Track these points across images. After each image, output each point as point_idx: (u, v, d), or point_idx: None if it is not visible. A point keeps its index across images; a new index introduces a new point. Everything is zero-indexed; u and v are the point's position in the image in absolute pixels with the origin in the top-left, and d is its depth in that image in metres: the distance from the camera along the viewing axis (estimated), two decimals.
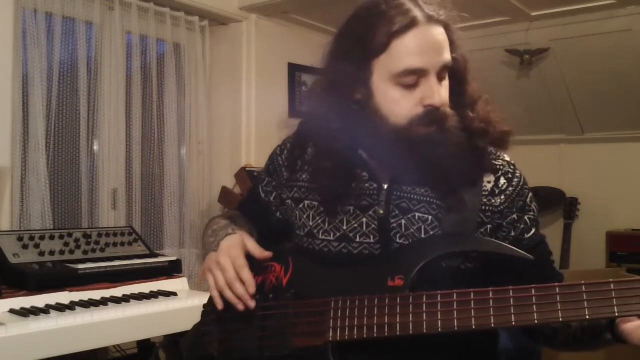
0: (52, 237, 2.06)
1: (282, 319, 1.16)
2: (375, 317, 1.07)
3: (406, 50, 1.07)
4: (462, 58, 1.17)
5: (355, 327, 1.08)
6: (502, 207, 1.18)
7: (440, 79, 1.11)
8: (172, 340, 1.90)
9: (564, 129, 4.15)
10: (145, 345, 2.21)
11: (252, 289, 1.15)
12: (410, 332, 1.03)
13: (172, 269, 2.19)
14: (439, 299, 1.03)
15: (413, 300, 1.05)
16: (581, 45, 3.57)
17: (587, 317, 0.95)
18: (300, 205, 1.26)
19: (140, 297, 1.94)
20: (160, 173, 3.23)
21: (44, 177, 2.61)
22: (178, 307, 1.92)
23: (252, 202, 1.42)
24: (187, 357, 1.31)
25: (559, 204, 4.07)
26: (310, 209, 1.24)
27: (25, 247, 1.97)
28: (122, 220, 2.97)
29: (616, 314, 0.94)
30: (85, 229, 2.23)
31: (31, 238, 2.00)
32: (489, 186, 1.18)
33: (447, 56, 1.10)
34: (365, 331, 1.07)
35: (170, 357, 2.09)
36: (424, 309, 1.03)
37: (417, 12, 1.08)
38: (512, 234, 1.18)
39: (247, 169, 3.20)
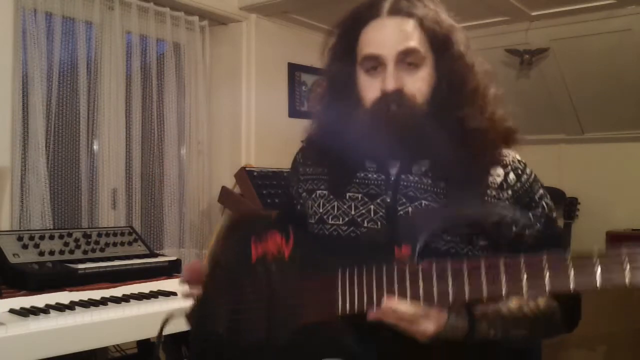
0: (52, 237, 2.06)
1: (288, 295, 1.15)
2: (384, 288, 1.04)
3: (367, 39, 1.18)
4: (457, 55, 1.19)
5: (365, 299, 1.05)
6: (508, 202, 1.19)
7: (407, 65, 1.16)
8: (172, 340, 1.90)
9: (564, 129, 4.14)
10: (145, 345, 2.21)
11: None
12: (421, 302, 1.01)
13: (172, 269, 2.19)
14: (449, 267, 1.00)
15: (423, 269, 1.02)
16: (581, 46, 3.57)
17: (599, 287, 0.94)
18: (313, 195, 1.32)
19: (140, 297, 1.94)
20: (160, 173, 3.23)
21: (44, 177, 2.61)
22: (178, 307, 1.92)
23: (283, 200, 1.54)
24: (194, 332, 1.31)
25: (559, 204, 4.07)
26: (321, 197, 1.30)
27: (25, 247, 1.97)
28: (122, 220, 2.97)
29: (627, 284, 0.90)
30: (85, 229, 2.23)
31: (31, 238, 2.00)
32: (498, 180, 1.20)
33: (405, 44, 1.15)
34: (375, 303, 1.04)
35: (171, 357, 2.09)
36: (435, 278, 1.00)
37: (382, 5, 1.17)
38: (514, 229, 1.19)
39: (247, 169, 3.20)
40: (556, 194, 4.07)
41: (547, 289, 0.93)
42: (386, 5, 1.17)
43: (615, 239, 3.83)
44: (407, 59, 1.16)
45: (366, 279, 1.06)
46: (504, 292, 0.95)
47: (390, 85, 1.15)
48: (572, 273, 0.92)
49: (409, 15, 1.16)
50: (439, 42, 1.17)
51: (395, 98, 1.15)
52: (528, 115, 3.99)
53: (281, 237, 1.20)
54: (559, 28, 3.54)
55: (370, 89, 1.19)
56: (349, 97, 1.23)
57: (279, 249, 1.20)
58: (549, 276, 0.93)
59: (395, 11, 1.16)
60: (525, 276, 0.94)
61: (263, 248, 1.21)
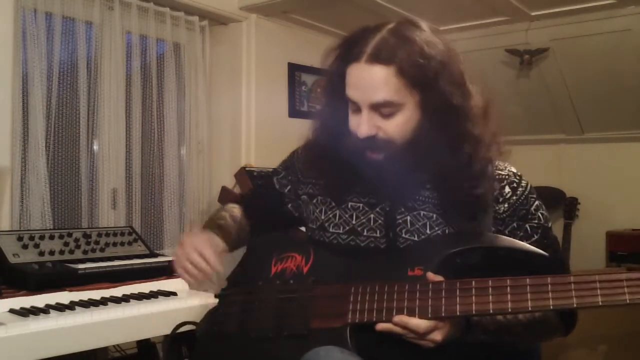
0: (52, 237, 2.06)
1: (301, 301, 1.22)
2: (395, 302, 1.11)
3: (349, 80, 1.19)
4: (445, 93, 1.16)
5: (375, 311, 1.12)
6: (504, 215, 1.23)
7: (380, 114, 1.17)
8: (173, 339, 1.90)
9: (564, 129, 4.14)
10: (145, 345, 2.21)
11: (212, 258, 1.29)
12: (430, 315, 1.07)
13: (172, 269, 2.19)
14: (457, 286, 1.08)
15: (433, 286, 1.10)
16: (581, 46, 3.57)
17: (600, 303, 1.00)
18: (314, 201, 1.37)
19: (140, 297, 1.94)
20: (160, 173, 3.23)
21: (44, 177, 2.61)
22: (178, 307, 1.92)
23: (264, 191, 1.52)
24: (201, 336, 1.38)
25: (559, 204, 4.07)
26: (323, 204, 1.35)
27: (25, 247, 1.97)
28: (122, 220, 2.97)
29: (627, 301, 0.99)
30: (85, 229, 2.23)
31: (31, 238, 2.00)
32: (494, 193, 1.24)
33: (377, 97, 1.15)
34: (384, 314, 1.11)
35: (170, 357, 2.09)
36: (444, 294, 1.08)
37: (365, 49, 1.15)
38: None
39: (247, 169, 3.20)
40: (556, 194, 4.07)
41: (550, 307, 1.02)
42: (367, 50, 1.15)
43: (615, 239, 3.84)
44: (380, 109, 1.17)
45: (378, 294, 1.13)
46: (509, 309, 1.03)
47: (363, 132, 1.18)
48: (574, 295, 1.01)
49: (388, 62, 1.14)
50: (423, 82, 1.15)
51: (368, 144, 1.19)
52: (528, 115, 4.00)
53: (301, 257, 1.29)
54: (559, 28, 3.54)
55: (353, 124, 1.22)
56: (343, 121, 1.25)
57: (298, 266, 1.28)
58: (552, 298, 1.01)
59: (374, 58, 1.14)
60: (529, 296, 1.02)
61: (282, 266, 1.29)
